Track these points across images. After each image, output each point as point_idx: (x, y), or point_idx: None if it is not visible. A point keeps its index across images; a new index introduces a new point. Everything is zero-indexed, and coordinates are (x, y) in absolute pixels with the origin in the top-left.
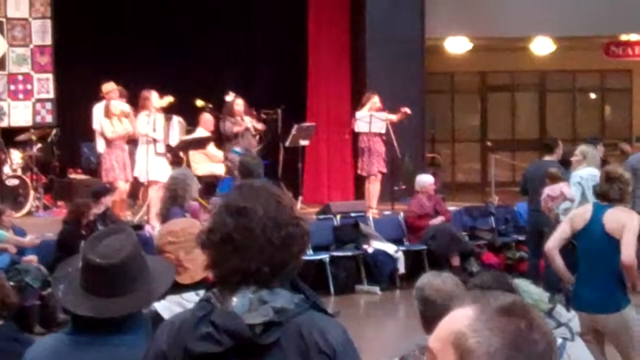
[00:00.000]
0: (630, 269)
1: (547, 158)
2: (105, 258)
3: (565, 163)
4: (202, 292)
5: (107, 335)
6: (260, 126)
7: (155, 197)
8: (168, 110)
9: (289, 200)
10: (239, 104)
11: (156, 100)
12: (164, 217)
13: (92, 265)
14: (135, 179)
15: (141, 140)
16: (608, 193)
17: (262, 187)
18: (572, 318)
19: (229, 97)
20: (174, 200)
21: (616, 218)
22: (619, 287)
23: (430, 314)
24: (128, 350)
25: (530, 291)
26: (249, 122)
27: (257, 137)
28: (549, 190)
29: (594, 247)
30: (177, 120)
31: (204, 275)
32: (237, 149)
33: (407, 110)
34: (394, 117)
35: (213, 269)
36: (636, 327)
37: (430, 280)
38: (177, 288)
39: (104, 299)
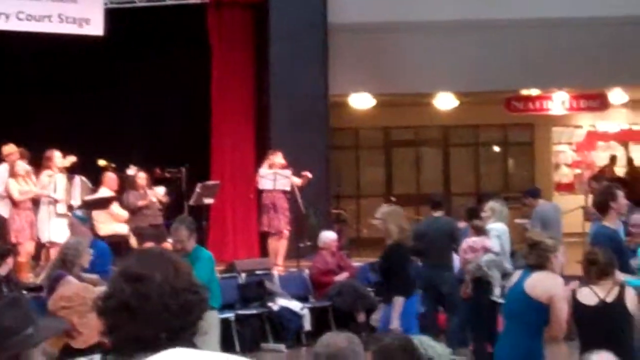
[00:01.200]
0: (557, 339)
1: (436, 214)
2: None
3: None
4: (96, 357)
5: None
6: (165, 199)
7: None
8: (71, 170)
9: (187, 267)
10: (142, 178)
11: (59, 159)
12: (49, 280)
13: None
14: (38, 240)
15: (42, 201)
16: (527, 259)
17: (160, 254)
18: None
19: (131, 170)
20: (63, 266)
21: (540, 282)
22: (537, 347)
23: None
24: None
25: (433, 346)
26: (153, 196)
27: (160, 209)
28: (470, 242)
29: (515, 309)
30: (79, 179)
31: (98, 340)
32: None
33: (309, 174)
34: (298, 181)
35: (109, 335)
36: None
37: (325, 337)
38: (72, 353)
39: None
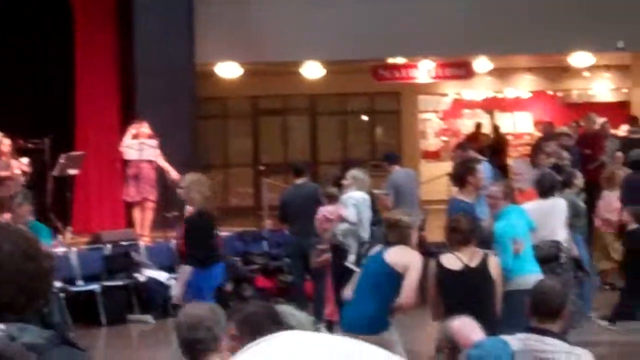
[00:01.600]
0: (405, 309)
1: (299, 182)
2: None
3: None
4: None
5: None
6: (28, 169)
7: None
8: None
9: (34, 236)
10: (6, 145)
11: None
12: None
13: None
14: None
15: None
16: (387, 238)
17: (7, 225)
18: None
19: None
20: None
21: (399, 253)
22: (383, 315)
23: (180, 339)
24: None
25: (295, 315)
26: (17, 168)
27: (24, 179)
28: (325, 211)
29: (370, 276)
30: None
31: None
32: None
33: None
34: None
35: None
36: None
37: (187, 307)
38: None
39: None
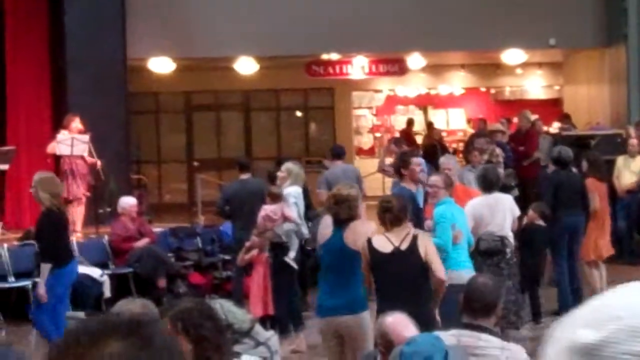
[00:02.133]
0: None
1: (244, 177)
2: None
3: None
4: None
5: None
6: None
7: None
8: None
9: None
10: None
11: None
12: None
13: None
14: None
15: None
16: (339, 214)
17: None
18: (271, 337)
19: None
20: None
21: (356, 231)
22: (359, 293)
23: None
24: None
25: (234, 311)
26: None
27: None
28: (269, 211)
29: (333, 261)
30: None
31: None
32: None
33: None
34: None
35: None
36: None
37: (119, 303)
38: None
39: None
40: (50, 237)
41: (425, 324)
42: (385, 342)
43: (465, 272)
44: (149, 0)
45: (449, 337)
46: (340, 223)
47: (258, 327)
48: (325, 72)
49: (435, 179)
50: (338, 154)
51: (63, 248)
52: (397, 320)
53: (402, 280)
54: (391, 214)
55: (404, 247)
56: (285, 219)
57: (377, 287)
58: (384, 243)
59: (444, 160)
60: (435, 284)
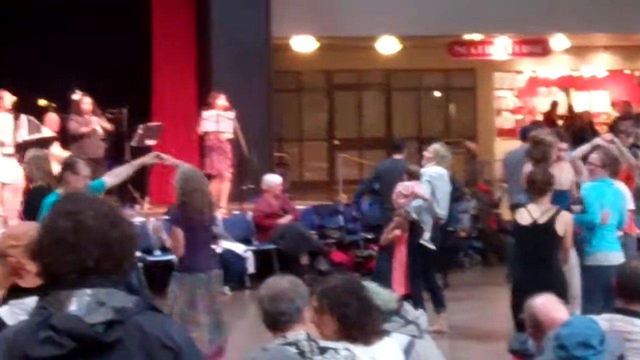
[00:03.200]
0: None
1: (396, 157)
2: None
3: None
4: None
5: None
6: (109, 126)
7: (10, 199)
8: (13, 110)
9: (117, 204)
10: (87, 103)
11: (7, 100)
12: None
13: None
14: None
15: None
16: (532, 154)
17: (89, 194)
18: (420, 316)
19: (76, 95)
20: None
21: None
22: None
23: (263, 312)
24: None
25: (379, 292)
26: (96, 123)
27: (104, 138)
28: (401, 187)
29: None
30: (25, 118)
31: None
32: None
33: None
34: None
35: (46, 273)
36: None
37: (268, 280)
38: (20, 292)
39: None
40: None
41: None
42: (534, 324)
43: (610, 254)
44: None
45: (601, 321)
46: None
47: (407, 306)
48: (467, 52)
49: (594, 157)
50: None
51: None
52: (547, 301)
53: (537, 252)
54: (535, 185)
55: (542, 221)
56: (416, 195)
57: (517, 256)
58: (525, 216)
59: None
60: (561, 260)
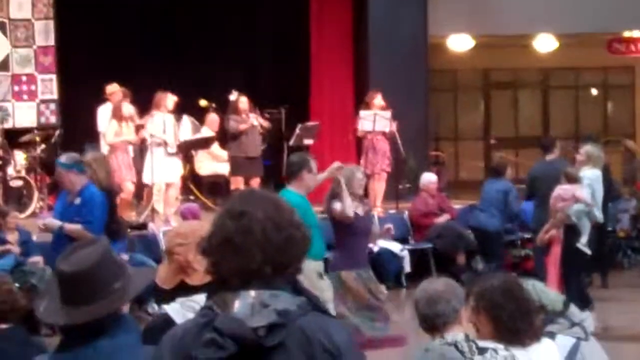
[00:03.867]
0: None
1: (549, 157)
2: (74, 267)
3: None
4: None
5: (82, 346)
6: (266, 124)
7: (167, 198)
8: (175, 111)
9: (289, 206)
10: (243, 102)
11: (169, 101)
12: None
13: (61, 275)
14: (139, 180)
15: (152, 143)
16: None
17: (262, 193)
18: (586, 318)
19: (233, 95)
20: None
21: None
22: None
23: (420, 314)
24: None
25: (547, 292)
26: (255, 119)
27: (262, 135)
28: (561, 190)
29: None
30: (187, 118)
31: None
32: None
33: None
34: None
35: (214, 272)
36: None
37: (423, 283)
38: (187, 290)
39: (71, 307)
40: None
41: None
42: None
43: None
44: None
45: None
46: None
47: (573, 308)
48: (626, 49)
49: None
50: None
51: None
52: None
53: None
54: None
55: None
56: (577, 199)
57: None
58: None
59: None
60: None
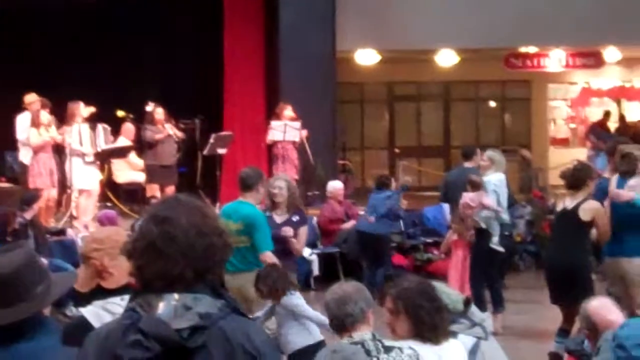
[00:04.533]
0: None
1: (466, 165)
2: None
3: None
4: (127, 297)
5: (5, 349)
6: (180, 133)
7: (85, 205)
8: (90, 120)
9: (213, 212)
10: (159, 113)
11: (83, 110)
12: None
13: None
14: (61, 186)
15: (71, 152)
16: (620, 166)
17: (187, 200)
18: (486, 319)
19: (149, 107)
20: None
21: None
22: None
23: (331, 315)
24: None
25: (448, 292)
26: (170, 129)
27: (177, 145)
28: (468, 198)
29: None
30: (101, 127)
31: (128, 281)
32: None
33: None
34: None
35: (138, 276)
36: None
37: (334, 286)
38: (103, 293)
39: None
40: None
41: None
42: (590, 326)
43: None
44: None
45: None
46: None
47: (474, 308)
48: (522, 64)
49: None
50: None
51: None
52: (602, 304)
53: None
54: (567, 180)
55: (569, 207)
56: (484, 206)
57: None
58: (560, 204)
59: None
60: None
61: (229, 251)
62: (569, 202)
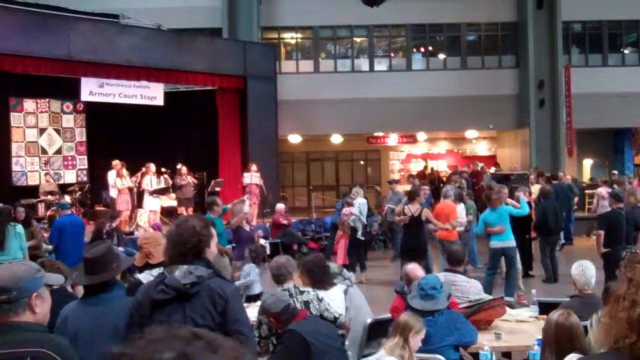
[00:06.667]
0: None
1: (347, 197)
2: (91, 254)
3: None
4: (161, 269)
5: (96, 296)
6: (195, 181)
7: (153, 218)
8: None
9: (208, 221)
10: (184, 169)
11: (153, 167)
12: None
13: (85, 259)
14: (132, 209)
15: (147, 192)
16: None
17: (192, 216)
18: (351, 276)
19: (178, 165)
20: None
21: None
22: None
23: (272, 274)
24: (108, 302)
25: (330, 265)
26: (190, 179)
27: (193, 187)
28: (345, 211)
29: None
30: (163, 177)
31: (162, 260)
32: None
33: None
34: (260, 182)
35: (168, 257)
36: None
37: (274, 258)
38: (149, 266)
39: (90, 275)
40: None
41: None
42: (408, 278)
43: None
44: (289, 106)
45: (441, 276)
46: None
47: (344, 271)
48: (376, 141)
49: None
50: (392, 182)
51: None
52: (413, 267)
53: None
54: (409, 194)
55: (416, 214)
56: (353, 214)
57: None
58: (406, 211)
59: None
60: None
61: (209, 242)
62: (413, 210)
